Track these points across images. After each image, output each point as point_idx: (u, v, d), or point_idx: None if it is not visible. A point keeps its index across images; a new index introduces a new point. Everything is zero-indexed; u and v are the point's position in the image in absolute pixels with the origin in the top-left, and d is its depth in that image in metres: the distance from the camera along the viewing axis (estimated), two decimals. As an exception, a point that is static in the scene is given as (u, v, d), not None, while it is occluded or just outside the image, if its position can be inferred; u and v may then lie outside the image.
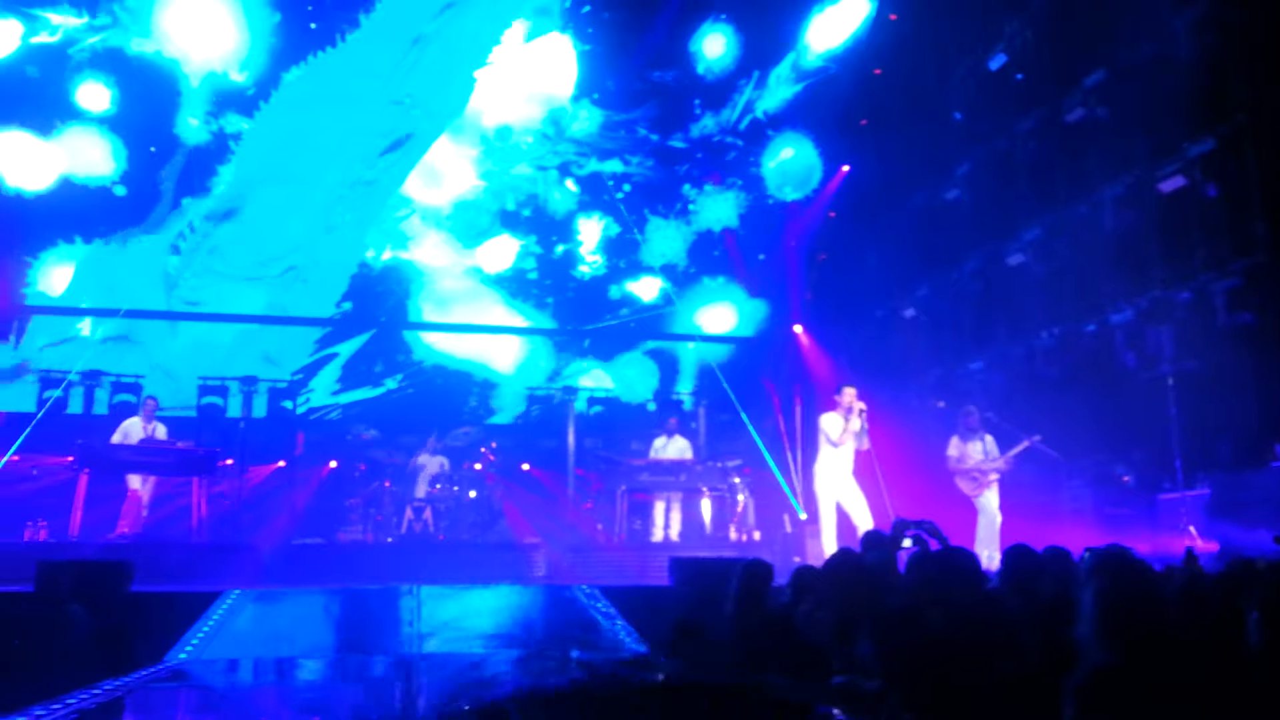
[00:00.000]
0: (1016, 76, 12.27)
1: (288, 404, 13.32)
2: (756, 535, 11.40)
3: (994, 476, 9.36)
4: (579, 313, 16.13)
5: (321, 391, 15.17)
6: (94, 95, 13.82)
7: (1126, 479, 10.31)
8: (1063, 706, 2.81)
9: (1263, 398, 9.08)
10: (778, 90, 15.73)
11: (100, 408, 12.94)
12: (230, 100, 14.66)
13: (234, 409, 13.04)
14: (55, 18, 13.82)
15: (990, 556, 8.54)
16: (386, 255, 15.62)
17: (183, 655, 6.11)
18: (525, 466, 13.53)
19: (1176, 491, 9.23)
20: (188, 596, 7.25)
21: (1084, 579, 3.20)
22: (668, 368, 16.51)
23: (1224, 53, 9.46)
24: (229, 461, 11.75)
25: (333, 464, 12.73)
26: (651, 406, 15.72)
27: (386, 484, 12.19)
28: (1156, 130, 10.26)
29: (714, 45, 15.43)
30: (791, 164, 15.60)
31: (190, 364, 13.94)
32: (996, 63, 12.43)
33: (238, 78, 14.60)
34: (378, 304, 15.48)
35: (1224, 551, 7.81)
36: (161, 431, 10.86)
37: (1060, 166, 11.54)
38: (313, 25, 14.81)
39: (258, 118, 14.84)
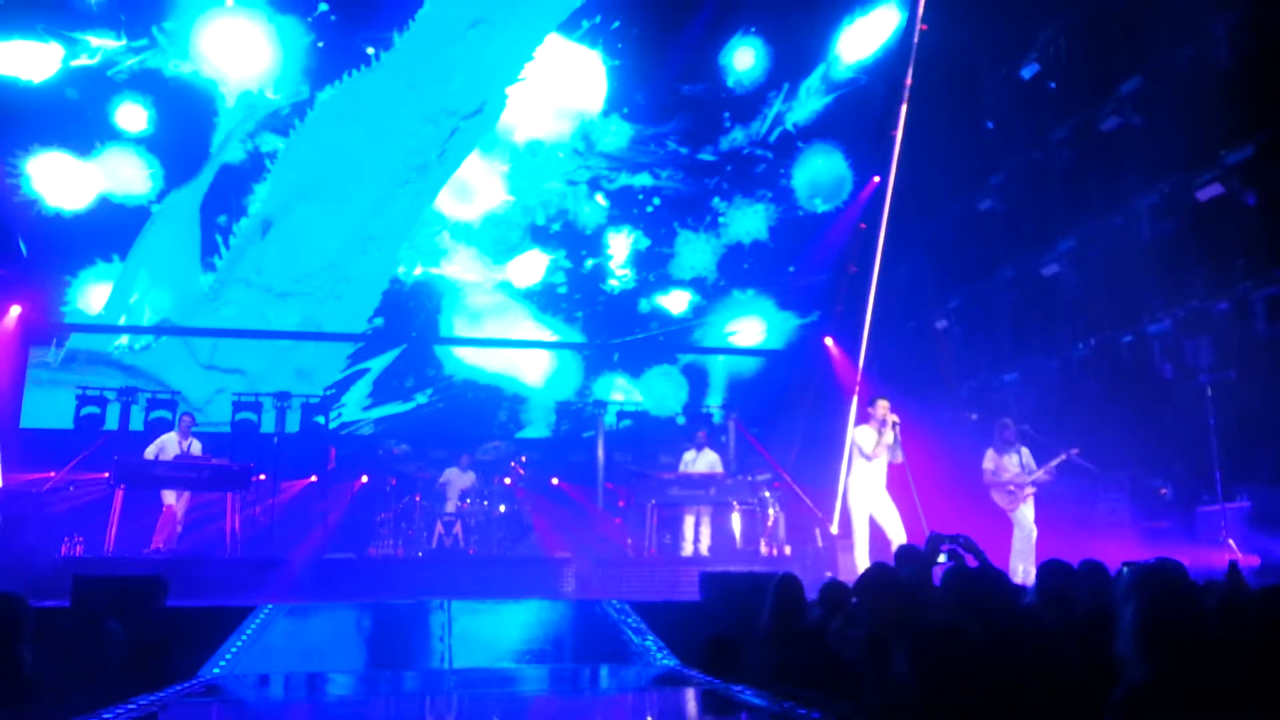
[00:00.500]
0: (1050, 85, 12.16)
1: (320, 419, 13.41)
2: (787, 550, 11.31)
3: (1030, 490, 9.24)
4: (608, 326, 16.14)
5: (353, 407, 15.28)
6: (132, 116, 14.08)
7: (1164, 491, 10.13)
8: (1103, 722, 2.76)
9: (1305, 408, 8.90)
10: (808, 102, 15.69)
11: (136, 424, 13.11)
12: (266, 120, 14.88)
13: (268, 424, 13.16)
14: (95, 40, 14.09)
15: (1026, 571, 8.42)
16: (418, 271, 15.72)
17: (216, 670, 6.14)
18: (555, 480, 13.52)
19: (1216, 504, 9.05)
20: (222, 611, 7.29)
21: (1124, 594, 3.14)
22: (697, 381, 16.47)
23: (1263, 57, 9.32)
24: (262, 477, 11.84)
25: (364, 479, 12.79)
26: (681, 420, 15.69)
27: (417, 498, 12.24)
28: (1193, 137, 10.12)
29: (744, 58, 15.44)
30: (822, 175, 15.55)
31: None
32: (1030, 71, 12.33)
33: (273, 97, 14.82)
34: (409, 319, 15.58)
35: (1266, 565, 7.65)
36: (196, 447, 10.99)
37: (1095, 175, 11.41)
38: (358, 45, 14.97)
39: (293, 136, 15.03)
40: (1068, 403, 11.47)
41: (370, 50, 15.09)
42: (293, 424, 13.25)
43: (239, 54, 14.26)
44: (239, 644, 6.62)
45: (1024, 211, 12.62)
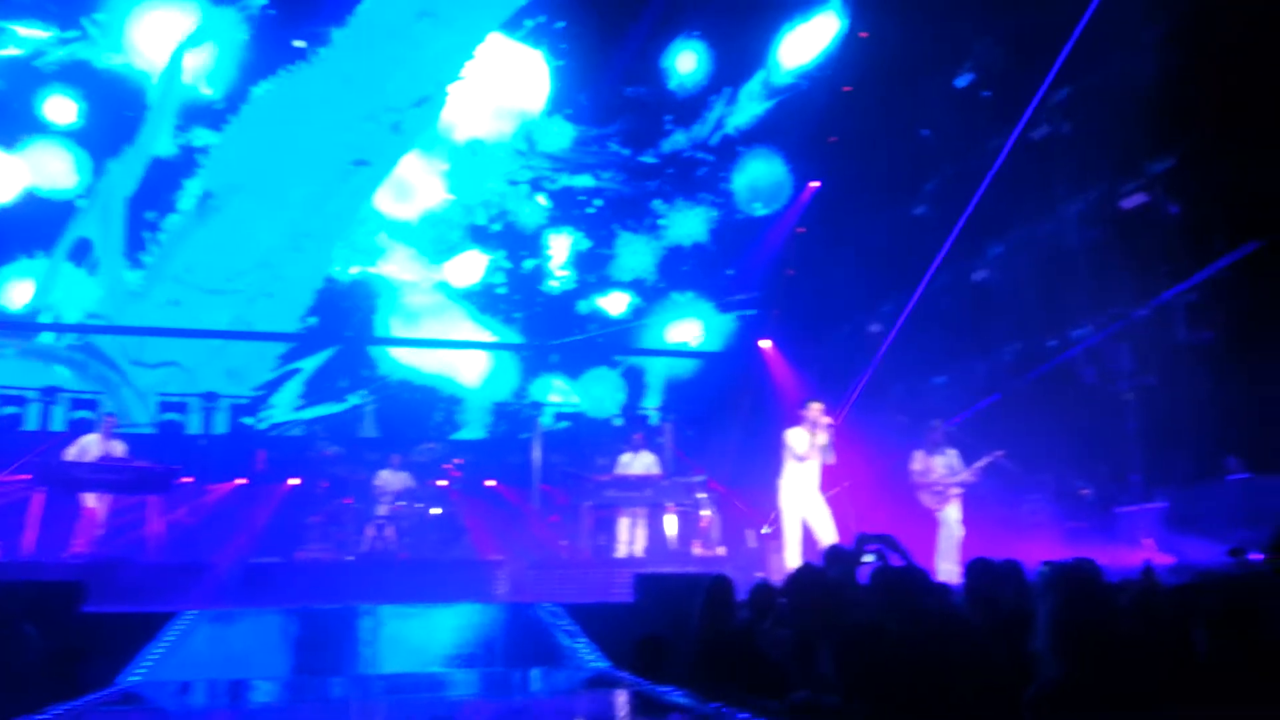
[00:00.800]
0: (983, 94, 12.40)
1: (249, 420, 13.14)
2: (721, 550, 11.35)
3: (957, 491, 9.41)
4: (547, 327, 16.08)
5: (284, 407, 15.00)
6: (60, 108, 13.68)
7: (1085, 492, 10.41)
8: (1021, 718, 2.81)
9: (1220, 413, 9.19)
10: (749, 106, 15.83)
11: (58, 424, 12.72)
12: (198, 114, 14.55)
13: (194, 426, 12.86)
14: (23, 30, 13.67)
15: (950, 570, 8.57)
16: (354, 270, 15.50)
17: (135, 677, 5.98)
18: (490, 482, 13.41)
19: (1134, 505, 9.32)
20: (143, 617, 7.09)
21: (1040, 593, 3.20)
22: (635, 383, 16.49)
23: (1186, 70, 9.60)
24: (188, 479, 11.56)
25: (294, 481, 12.55)
26: (618, 422, 15.68)
27: (348, 501, 12.02)
28: (1119, 148, 10.40)
29: (686, 61, 15.52)
30: (762, 179, 15.69)
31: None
32: (964, 80, 12.56)
33: (207, 91, 14.50)
34: (344, 319, 15.34)
35: (1180, 564, 7.88)
36: (119, 448, 10.67)
37: (1025, 183, 11.67)
38: (289, 40, 14.72)
39: (226, 131, 14.73)
40: (995, 405, 11.71)
41: (306, 45, 14.86)
42: (220, 425, 12.97)
43: (173, 47, 13.94)
44: (160, 650, 6.46)
45: (955, 218, 12.86)
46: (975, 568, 4.81)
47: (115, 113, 14.06)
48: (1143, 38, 10.11)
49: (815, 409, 9.22)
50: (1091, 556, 3.85)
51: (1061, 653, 2.92)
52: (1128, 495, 9.57)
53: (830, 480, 9.25)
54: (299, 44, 14.69)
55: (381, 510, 11.85)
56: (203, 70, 14.36)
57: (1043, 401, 10.99)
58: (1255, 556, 5.93)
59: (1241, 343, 9.15)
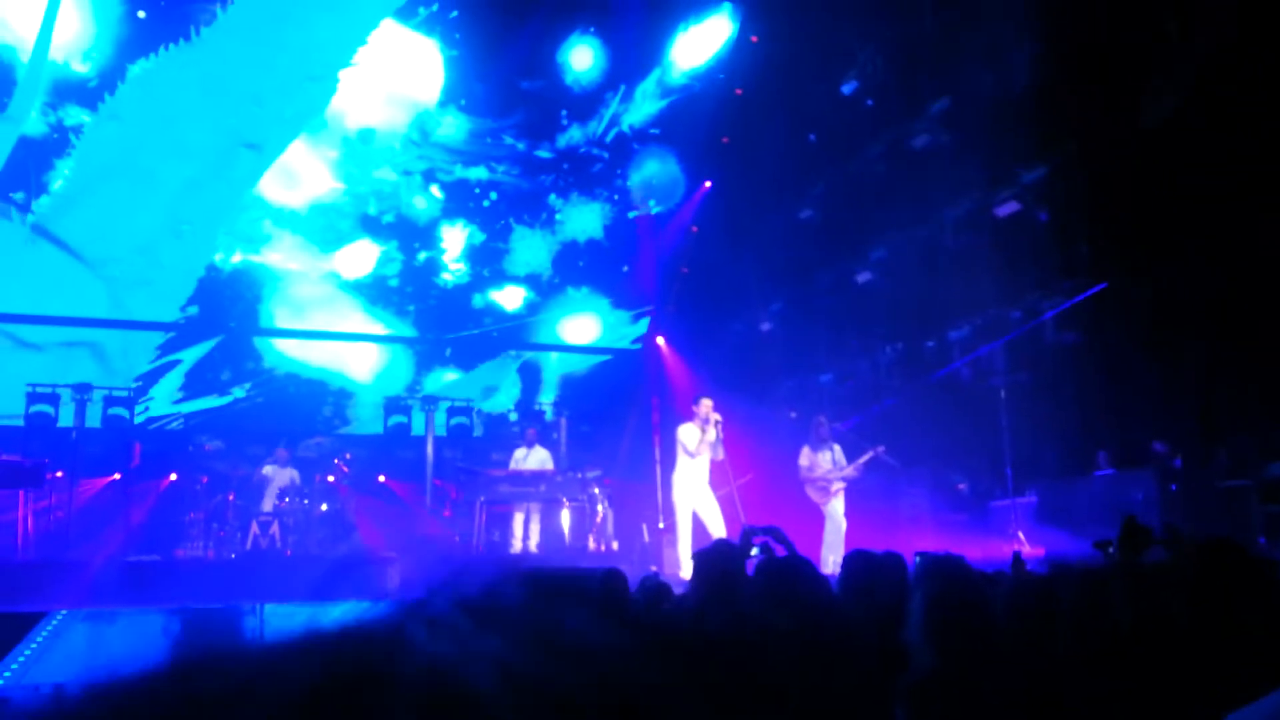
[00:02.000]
0: (867, 102, 12.81)
1: (123, 412, 12.58)
2: (615, 545, 11.47)
3: (841, 485, 9.72)
4: (441, 321, 15.89)
5: (162, 400, 14.41)
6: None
7: (961, 486, 10.91)
8: (894, 709, 2.94)
9: (1086, 410, 9.76)
10: (643, 105, 15.93)
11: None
12: (71, 91, 13.85)
13: (66, 418, 12.27)
14: None
15: (836, 562, 8.86)
16: (237, 258, 15.00)
17: (0, 680, 5.73)
18: (381, 478, 13.21)
19: (1007, 498, 9.80)
20: (9, 618, 6.80)
21: (913, 585, 3.37)
22: (530, 378, 16.45)
23: (1057, 85, 10.12)
24: (59, 474, 11.06)
25: (172, 476, 12.12)
26: (513, 417, 15.63)
27: (230, 497, 11.67)
28: (994, 157, 10.90)
29: (582, 57, 15.51)
30: (656, 177, 15.84)
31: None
32: (849, 88, 12.94)
33: (80, 68, 13.81)
34: (226, 309, 14.83)
35: (1050, 556, 8.33)
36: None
37: (906, 189, 12.12)
38: (179, 17, 14.11)
39: (102, 110, 14.05)
40: (877, 402, 12.15)
41: (190, 24, 14.29)
42: (94, 418, 12.41)
43: (43, 20, 13.23)
44: (28, 652, 6.20)
45: (842, 221, 13.27)
46: (853, 559, 4.99)
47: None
48: (1018, 52, 10.62)
49: (706, 405, 9.40)
50: (967, 548, 4.07)
51: (933, 644, 3.05)
52: (1001, 489, 10.05)
53: (728, 475, 9.43)
54: (191, 21, 14.11)
55: (266, 506, 11.56)
56: (76, 47, 13.67)
57: (921, 399, 11.46)
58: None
59: (1105, 345, 9.73)
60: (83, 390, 12.40)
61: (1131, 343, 9.34)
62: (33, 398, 12.09)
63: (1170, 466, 8.96)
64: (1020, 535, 9.30)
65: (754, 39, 14.21)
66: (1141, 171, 9.13)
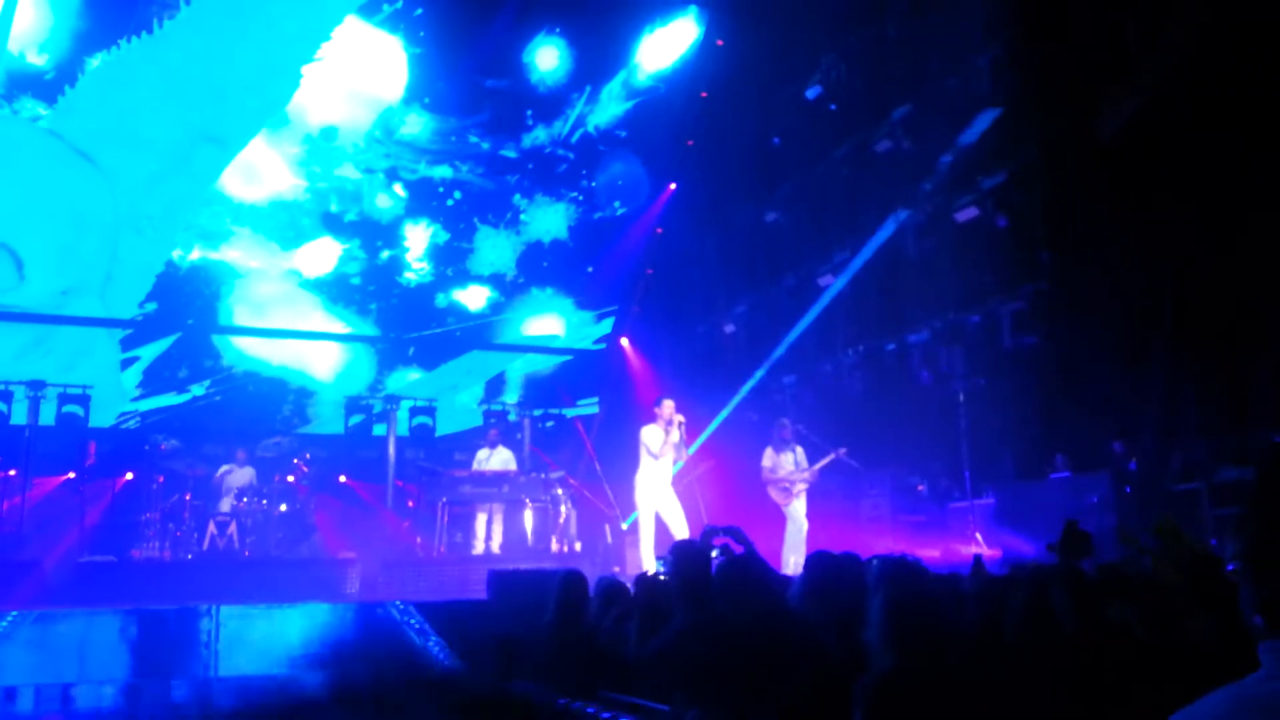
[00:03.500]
0: (831, 106, 12.90)
1: (78, 410, 12.36)
2: (578, 546, 11.46)
3: (802, 486, 9.79)
4: (404, 320, 15.78)
5: (119, 397, 14.20)
6: None
7: (921, 488, 11.02)
8: (852, 709, 2.97)
9: (1044, 414, 9.89)
10: (609, 106, 15.91)
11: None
12: (27, 84, 13.57)
13: (19, 416, 12.04)
14: None
15: (797, 563, 8.92)
16: (196, 255, 14.79)
17: (-53, 685, 5.61)
18: (342, 478, 13.09)
19: (965, 500, 9.92)
20: (-42, 620, 6.66)
21: (872, 586, 3.40)
22: (494, 378, 16.39)
23: (1019, 91, 10.26)
24: (11, 473, 10.86)
25: (128, 476, 11.93)
26: (477, 418, 15.56)
27: (187, 497, 11.51)
28: (955, 163, 11.02)
29: (547, 57, 15.46)
30: (621, 179, 15.85)
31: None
32: (813, 92, 13.03)
33: (36, 60, 13.54)
34: (185, 306, 14.63)
35: (1007, 557, 8.45)
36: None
37: (869, 194, 12.22)
38: (139, 10, 13.85)
39: (60, 104, 13.79)
40: (838, 405, 12.24)
41: (151, 16, 14.06)
42: (48, 416, 12.18)
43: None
44: (-23, 655, 6.08)
45: (805, 224, 13.36)
46: (814, 561, 5.03)
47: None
48: (980, 58, 10.76)
49: (668, 406, 9.42)
50: (926, 549, 4.12)
51: (891, 644, 3.08)
52: (959, 491, 10.16)
53: (688, 465, 9.47)
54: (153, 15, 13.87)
55: (224, 506, 11.42)
56: (33, 38, 13.40)
57: (882, 401, 11.56)
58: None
59: (1063, 349, 9.87)
60: (36, 387, 12.17)
61: (1089, 347, 9.48)
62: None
63: (1126, 469, 9.12)
64: (978, 536, 9.40)
65: (720, 42, 14.27)
66: (1100, 178, 9.28)
